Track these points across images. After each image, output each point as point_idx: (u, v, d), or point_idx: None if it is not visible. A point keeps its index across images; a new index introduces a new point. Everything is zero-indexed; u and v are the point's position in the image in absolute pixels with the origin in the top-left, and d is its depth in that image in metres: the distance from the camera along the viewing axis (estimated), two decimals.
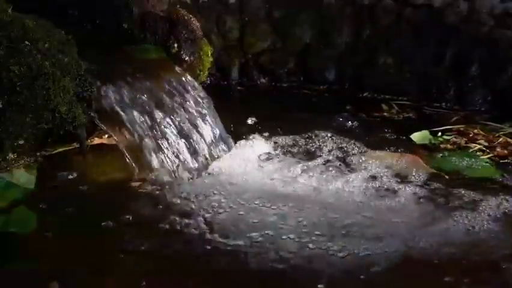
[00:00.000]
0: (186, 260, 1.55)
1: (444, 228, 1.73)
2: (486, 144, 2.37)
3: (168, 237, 1.64)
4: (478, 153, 2.29)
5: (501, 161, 2.24)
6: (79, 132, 1.86)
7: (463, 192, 1.95)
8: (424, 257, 1.59)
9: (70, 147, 2.00)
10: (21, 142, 1.73)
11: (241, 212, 1.79)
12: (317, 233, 1.68)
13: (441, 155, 2.28)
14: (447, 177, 2.07)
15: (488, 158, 2.25)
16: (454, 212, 1.81)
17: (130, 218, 1.72)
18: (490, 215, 1.80)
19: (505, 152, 2.30)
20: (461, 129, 2.53)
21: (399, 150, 2.27)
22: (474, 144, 2.36)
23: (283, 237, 1.65)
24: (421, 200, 1.91)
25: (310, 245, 1.62)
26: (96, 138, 2.05)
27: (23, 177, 1.80)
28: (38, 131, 1.75)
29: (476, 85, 2.93)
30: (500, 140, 2.41)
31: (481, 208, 1.83)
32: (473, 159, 2.24)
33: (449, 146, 2.37)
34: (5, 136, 1.66)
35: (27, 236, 1.62)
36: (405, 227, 1.74)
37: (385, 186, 1.98)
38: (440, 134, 2.47)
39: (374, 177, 2.03)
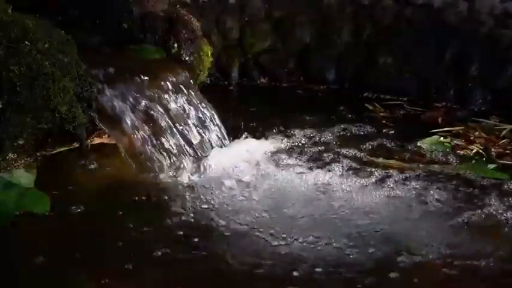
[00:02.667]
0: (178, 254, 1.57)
1: None
2: (488, 146, 2.35)
3: (163, 235, 1.66)
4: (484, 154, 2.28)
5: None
6: (79, 132, 1.86)
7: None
8: None
9: (70, 147, 2.01)
10: (21, 142, 1.73)
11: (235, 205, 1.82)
12: None
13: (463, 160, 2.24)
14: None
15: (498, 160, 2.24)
16: None
17: (127, 218, 1.73)
18: None
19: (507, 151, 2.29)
20: (461, 131, 2.51)
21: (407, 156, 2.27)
22: (479, 147, 2.34)
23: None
24: None
25: None
26: (96, 138, 2.06)
27: (23, 177, 1.80)
28: (38, 131, 1.75)
29: (476, 85, 2.93)
30: (504, 141, 2.40)
31: None
32: (484, 162, 2.22)
33: (464, 152, 2.31)
34: (5, 136, 1.67)
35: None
36: None
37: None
38: (441, 137, 2.43)
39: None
